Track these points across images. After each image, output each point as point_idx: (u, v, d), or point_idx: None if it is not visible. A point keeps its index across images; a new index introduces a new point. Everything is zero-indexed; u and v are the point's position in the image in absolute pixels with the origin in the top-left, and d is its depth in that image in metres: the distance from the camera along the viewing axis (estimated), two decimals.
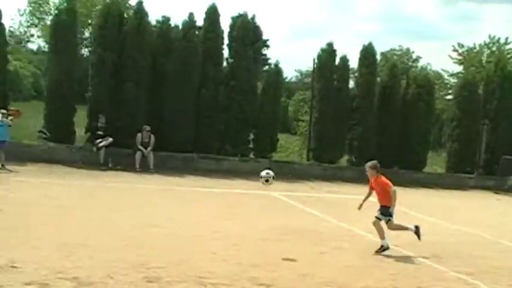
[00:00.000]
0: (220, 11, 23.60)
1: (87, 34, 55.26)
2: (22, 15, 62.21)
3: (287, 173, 23.27)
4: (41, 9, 61.50)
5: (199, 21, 23.67)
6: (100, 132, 21.31)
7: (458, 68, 44.45)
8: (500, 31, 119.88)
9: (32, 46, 63.35)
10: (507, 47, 43.93)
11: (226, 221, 13.31)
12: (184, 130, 22.48)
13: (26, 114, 23.66)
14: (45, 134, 21.78)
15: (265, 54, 40.70)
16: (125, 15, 23.63)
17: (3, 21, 21.86)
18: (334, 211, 16.25)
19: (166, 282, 8.28)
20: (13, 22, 59.92)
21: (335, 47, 25.63)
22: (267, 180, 11.80)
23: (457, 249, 12.63)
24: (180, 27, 23.25)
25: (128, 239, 10.68)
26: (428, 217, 16.32)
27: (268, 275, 9.07)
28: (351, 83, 27.12)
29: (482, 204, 22.30)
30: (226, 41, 24.00)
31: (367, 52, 26.11)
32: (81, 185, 17.32)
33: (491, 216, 19.18)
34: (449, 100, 35.31)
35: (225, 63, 24.17)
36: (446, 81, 46.15)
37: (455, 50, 45.99)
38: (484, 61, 42.06)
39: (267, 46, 44.66)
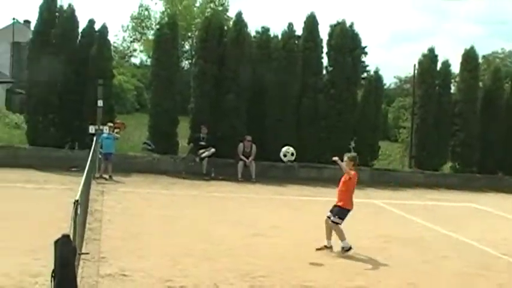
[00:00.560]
0: (318, 19, 23.62)
1: (187, 47, 56.53)
2: (125, 31, 64.44)
3: (388, 180, 22.97)
4: (143, 24, 63.42)
5: (299, 31, 23.77)
6: (202, 143, 21.69)
7: None
8: None
9: (135, 60, 65.49)
10: None
11: None
12: (285, 139, 22.50)
13: (130, 127, 24.48)
14: (149, 145, 22.39)
15: (363, 62, 40.43)
16: (225, 27, 23.96)
17: (108, 37, 22.72)
18: (438, 219, 15.89)
19: None
20: (117, 38, 62.12)
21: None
22: (285, 155, 11.79)
23: None
24: (280, 37, 23.40)
25: (232, 248, 10.82)
26: None
27: (373, 284, 8.98)
28: (452, 88, 26.48)
29: None
30: (325, 49, 23.95)
31: (469, 56, 25.45)
32: (184, 194, 17.68)
33: None
34: None
35: (324, 72, 24.11)
36: None
37: None
38: None
39: (365, 53, 44.40)
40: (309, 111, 23.11)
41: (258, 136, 21.98)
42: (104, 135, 19.78)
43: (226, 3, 61.87)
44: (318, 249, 11.01)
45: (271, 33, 23.62)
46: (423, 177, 24.33)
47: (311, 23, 23.61)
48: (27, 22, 54.27)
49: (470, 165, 25.15)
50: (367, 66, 42.92)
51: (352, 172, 11.19)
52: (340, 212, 11.11)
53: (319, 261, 10.27)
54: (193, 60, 24.35)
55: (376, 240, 12.42)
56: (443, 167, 25.66)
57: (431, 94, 24.84)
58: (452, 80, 26.99)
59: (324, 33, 23.96)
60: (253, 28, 23.95)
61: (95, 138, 18.94)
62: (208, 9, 57.18)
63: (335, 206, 11.25)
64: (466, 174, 24.89)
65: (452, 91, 26.18)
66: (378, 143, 24.91)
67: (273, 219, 14.38)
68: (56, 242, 4.99)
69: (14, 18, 54.57)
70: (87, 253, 9.33)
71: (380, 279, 9.37)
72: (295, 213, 15.69)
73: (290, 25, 23.40)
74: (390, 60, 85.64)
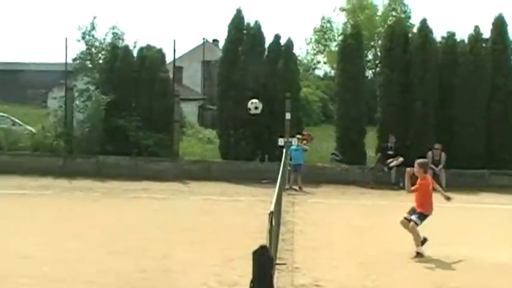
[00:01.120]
0: (507, 20, 22.53)
1: (370, 56, 56.22)
2: (308, 43, 65.24)
3: None
4: (325, 36, 63.90)
5: (486, 34, 22.80)
6: (390, 152, 21.42)
7: None
8: None
9: (319, 72, 66.13)
10: None
11: None
12: (473, 145, 21.68)
13: (317, 138, 24.71)
14: (337, 156, 22.48)
15: None
16: (409, 35, 23.55)
17: (293, 51, 23.14)
18: None
19: None
20: (301, 51, 63.10)
21: None
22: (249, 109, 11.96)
23: None
24: (466, 41, 22.59)
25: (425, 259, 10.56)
26: None
27: None
28: None
29: None
30: None
31: None
32: (373, 204, 17.56)
33: None
34: None
35: None
36: None
37: None
38: None
39: None
40: (499, 115, 22.05)
41: (446, 143, 21.31)
42: (293, 147, 20.17)
43: (408, 11, 60.80)
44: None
45: (457, 37, 22.86)
46: None
47: (499, 24, 22.56)
48: (215, 41, 56.82)
49: None
50: None
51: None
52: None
53: None
54: (378, 69, 24.13)
55: None
56: None
57: None
58: None
59: None
60: (438, 34, 23.24)
61: (284, 151, 19.34)
62: (391, 18, 56.46)
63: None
64: None
65: None
66: None
67: (464, 229, 13.79)
68: (254, 253, 5.13)
69: (204, 38, 57.34)
70: (284, 263, 9.53)
71: None
72: (488, 223, 14.92)
73: (476, 28, 22.52)
74: None
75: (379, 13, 61.44)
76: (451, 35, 22.85)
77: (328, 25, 63.83)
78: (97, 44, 23.35)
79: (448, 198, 11.72)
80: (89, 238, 11.92)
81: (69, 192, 17.94)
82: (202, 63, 52.72)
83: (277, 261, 9.12)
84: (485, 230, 13.76)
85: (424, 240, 10.90)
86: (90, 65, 23.53)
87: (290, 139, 20.42)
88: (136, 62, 22.60)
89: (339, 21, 63.45)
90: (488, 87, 22.08)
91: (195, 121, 39.06)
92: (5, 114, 26.88)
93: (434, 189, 11.43)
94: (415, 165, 11.31)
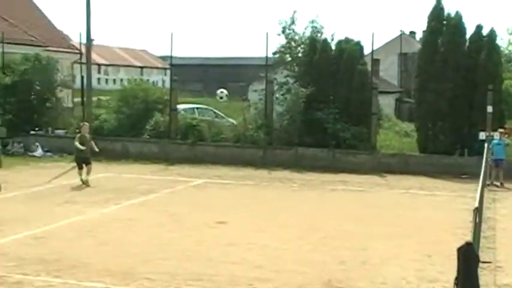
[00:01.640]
0: None
1: None
2: (511, 33, 61.84)
3: None
4: None
5: None
6: None
7: None
8: None
9: None
10: None
11: None
12: None
13: None
14: None
15: None
16: None
17: (496, 42, 22.20)
18: None
19: None
20: (502, 42, 59.94)
21: None
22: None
23: None
24: None
25: None
26: None
27: None
28: None
29: None
30: None
31: None
32: None
33: None
34: None
35: None
36: None
37: None
38: None
39: None
40: None
41: None
42: (495, 141, 19.37)
43: None
44: None
45: None
46: None
47: None
48: (412, 33, 55.75)
49: None
50: None
51: None
52: None
53: None
54: None
55: None
56: None
57: None
58: None
59: None
60: None
61: (485, 145, 18.63)
62: None
63: None
64: None
65: None
66: None
67: None
68: (459, 249, 5.10)
69: (401, 31, 56.51)
70: (489, 262, 9.30)
71: None
72: None
73: None
74: None
75: None
76: None
77: None
78: (296, 37, 23.86)
79: None
80: (288, 228, 12.33)
81: (269, 182, 18.57)
82: (399, 56, 51.97)
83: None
84: None
85: None
86: (289, 59, 24.11)
87: (492, 133, 19.65)
88: (335, 54, 22.79)
89: None
90: None
91: (392, 114, 38.64)
92: (208, 107, 28.24)
93: None
94: None
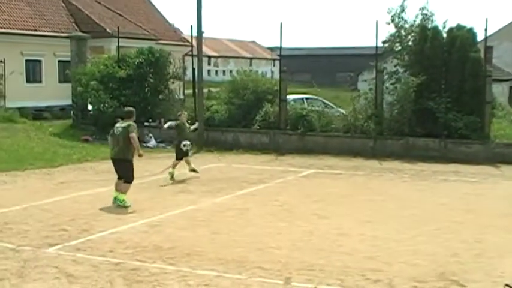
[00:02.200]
0: None
1: None
2: None
3: None
4: None
5: None
6: None
7: None
8: None
9: None
10: None
11: None
12: None
13: None
14: None
15: None
16: None
17: None
18: None
19: None
20: None
21: None
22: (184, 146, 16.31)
23: None
24: None
25: None
26: None
27: None
28: None
29: None
30: None
31: None
32: None
33: None
34: None
35: None
36: None
37: None
38: None
39: None
40: None
41: None
42: None
43: None
44: None
45: None
46: None
47: None
48: None
49: None
50: None
51: None
52: None
53: None
54: None
55: None
56: None
57: None
58: None
59: None
60: None
61: None
62: None
63: None
64: None
65: None
66: None
67: None
68: None
69: None
70: None
71: None
72: None
73: None
74: None
75: None
76: None
77: None
78: (406, 26, 23.45)
79: None
80: (400, 219, 12.22)
81: (380, 173, 18.41)
82: None
83: None
84: None
85: None
86: (399, 47, 23.75)
87: None
88: (446, 42, 22.23)
89: None
90: None
91: (506, 102, 37.32)
92: (318, 97, 28.20)
93: None
94: None
